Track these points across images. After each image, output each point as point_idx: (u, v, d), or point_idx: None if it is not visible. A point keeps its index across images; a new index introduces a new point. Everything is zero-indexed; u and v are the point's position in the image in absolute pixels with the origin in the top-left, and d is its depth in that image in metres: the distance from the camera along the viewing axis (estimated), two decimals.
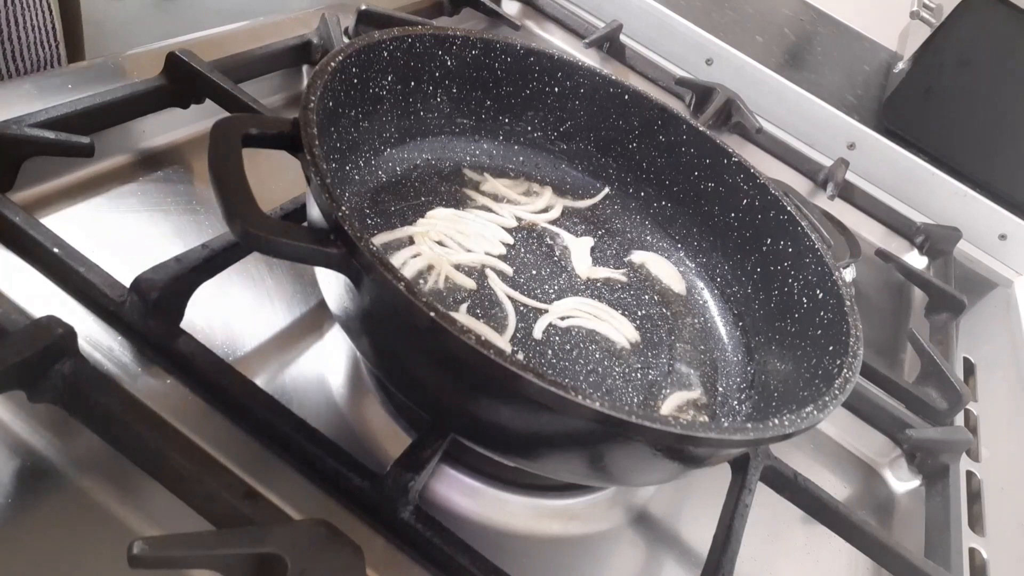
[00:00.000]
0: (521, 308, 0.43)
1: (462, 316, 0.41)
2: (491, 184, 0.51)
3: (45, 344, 0.31)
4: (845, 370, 0.36)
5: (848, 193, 0.84)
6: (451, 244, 0.45)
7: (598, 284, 0.48)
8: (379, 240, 0.43)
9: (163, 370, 0.36)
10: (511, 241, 0.48)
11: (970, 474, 0.57)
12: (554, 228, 0.51)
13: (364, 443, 0.38)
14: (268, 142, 0.34)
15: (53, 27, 0.70)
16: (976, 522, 0.53)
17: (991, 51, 0.89)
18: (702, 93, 0.85)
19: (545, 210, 0.52)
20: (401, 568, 0.34)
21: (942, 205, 0.87)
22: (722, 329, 0.49)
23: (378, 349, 0.34)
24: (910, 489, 0.54)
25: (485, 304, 0.43)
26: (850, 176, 0.85)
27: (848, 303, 0.40)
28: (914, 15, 1.01)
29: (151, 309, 0.35)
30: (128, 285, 0.36)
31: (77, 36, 0.99)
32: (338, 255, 0.29)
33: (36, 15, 0.67)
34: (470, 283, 0.43)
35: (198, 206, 0.45)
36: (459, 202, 0.49)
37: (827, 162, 0.86)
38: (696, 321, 0.49)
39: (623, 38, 0.89)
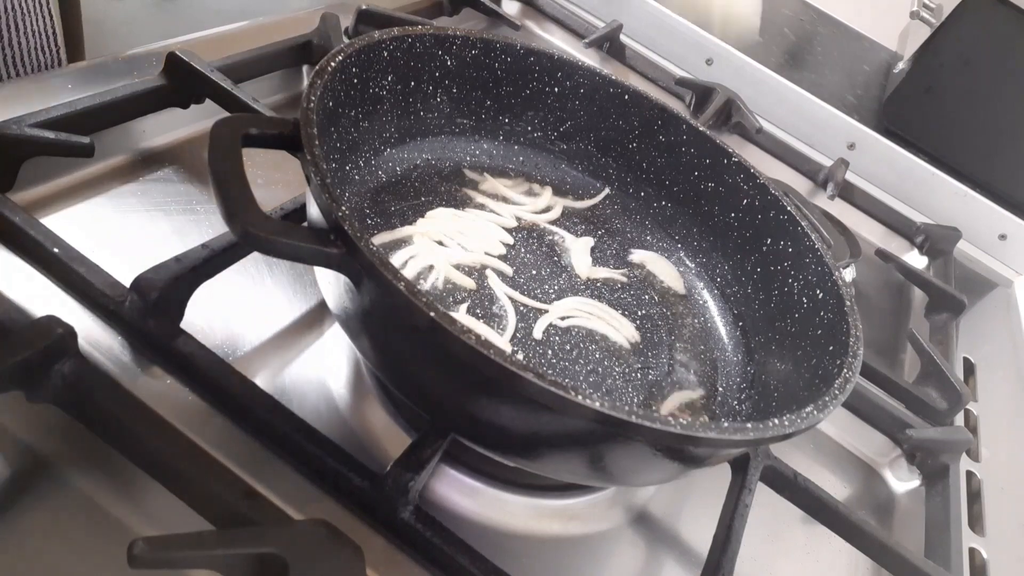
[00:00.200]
0: (521, 308, 0.43)
1: (462, 316, 0.41)
2: (491, 184, 0.51)
3: (45, 344, 0.31)
4: (845, 370, 0.36)
5: (848, 193, 0.84)
6: (451, 244, 0.45)
7: (598, 284, 0.48)
8: (379, 240, 0.43)
9: (163, 370, 0.36)
10: (511, 241, 0.48)
11: (970, 474, 0.57)
12: (554, 228, 0.51)
13: (364, 443, 0.38)
14: (268, 142, 0.34)
15: (53, 31, 0.70)
16: (976, 522, 0.53)
17: (991, 51, 0.89)
18: (702, 93, 0.85)
19: (545, 210, 0.52)
20: (401, 568, 0.34)
21: (942, 205, 0.87)
22: (722, 329, 0.49)
23: (378, 349, 0.34)
24: (910, 489, 0.54)
25: (485, 304, 0.43)
26: (850, 176, 0.86)
27: (848, 303, 0.40)
28: (914, 15, 1.01)
29: (151, 309, 0.35)
30: (128, 285, 0.36)
31: (77, 36, 0.99)
32: (338, 255, 0.29)
33: (37, 20, 0.67)
34: (470, 283, 0.43)
35: (198, 206, 0.45)
36: (459, 202, 0.49)
37: (827, 162, 0.86)
38: (696, 321, 0.49)
39: (623, 38, 0.89)
